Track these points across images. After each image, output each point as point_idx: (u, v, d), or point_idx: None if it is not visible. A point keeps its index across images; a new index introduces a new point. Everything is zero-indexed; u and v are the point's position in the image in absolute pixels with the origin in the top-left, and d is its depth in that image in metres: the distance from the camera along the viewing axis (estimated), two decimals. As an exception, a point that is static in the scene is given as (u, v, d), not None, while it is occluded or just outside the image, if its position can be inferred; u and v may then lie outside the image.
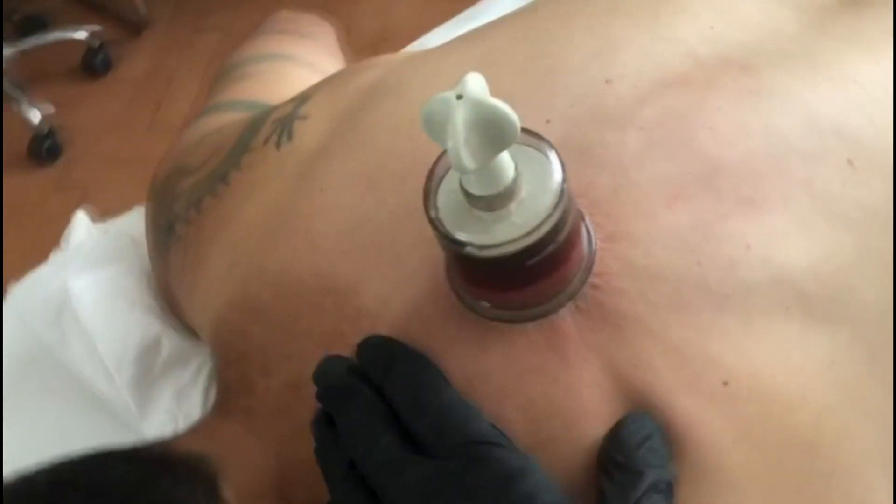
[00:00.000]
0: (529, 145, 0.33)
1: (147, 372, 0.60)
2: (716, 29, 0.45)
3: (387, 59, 0.53)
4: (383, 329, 0.39)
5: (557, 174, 0.32)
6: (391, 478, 0.34)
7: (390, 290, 0.40)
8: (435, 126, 0.30)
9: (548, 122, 0.42)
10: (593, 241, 0.37)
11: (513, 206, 0.32)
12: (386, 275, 0.40)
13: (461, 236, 0.32)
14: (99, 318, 0.61)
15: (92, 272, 0.64)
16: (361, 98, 0.48)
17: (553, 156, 0.33)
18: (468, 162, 0.29)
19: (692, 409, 0.35)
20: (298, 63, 0.69)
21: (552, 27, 0.47)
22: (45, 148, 1.86)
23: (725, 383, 0.36)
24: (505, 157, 0.31)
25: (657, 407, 0.35)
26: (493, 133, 0.30)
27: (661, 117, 0.41)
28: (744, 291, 0.37)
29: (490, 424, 0.35)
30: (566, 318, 0.36)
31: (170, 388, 0.60)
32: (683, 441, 0.35)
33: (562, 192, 0.32)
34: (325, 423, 0.37)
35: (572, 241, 0.34)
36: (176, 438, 0.45)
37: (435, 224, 0.33)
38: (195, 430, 0.46)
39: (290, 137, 0.48)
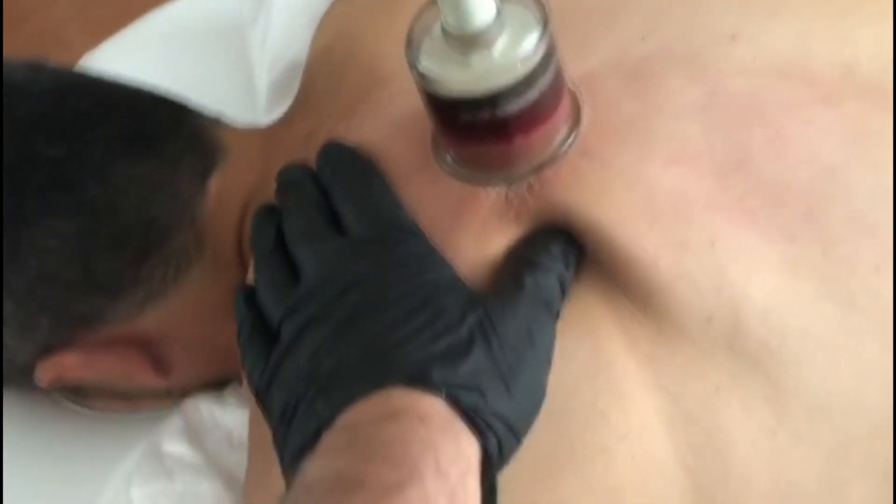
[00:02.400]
0: (528, 10, 0.33)
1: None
2: (882, 53, 0.40)
3: None
4: (376, 128, 0.42)
5: (532, 40, 0.33)
6: (307, 246, 0.37)
7: (406, 103, 0.41)
8: None
9: (643, 38, 0.41)
10: (571, 139, 0.36)
11: (486, 54, 0.32)
12: (410, 92, 0.41)
13: (422, 66, 0.33)
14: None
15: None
16: None
17: (541, 23, 0.33)
18: None
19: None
20: None
21: None
22: None
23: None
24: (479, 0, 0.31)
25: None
26: None
27: (746, 99, 0.38)
28: None
29: (409, 217, 0.37)
30: (506, 192, 0.37)
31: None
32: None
33: (528, 57, 0.32)
34: (268, 210, 0.41)
35: (535, 113, 0.34)
36: (217, 121, 0.52)
37: (407, 55, 0.34)
38: (239, 125, 0.53)
39: None
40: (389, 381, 0.31)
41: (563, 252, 0.36)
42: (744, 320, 0.35)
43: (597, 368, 0.35)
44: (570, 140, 0.36)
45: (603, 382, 0.35)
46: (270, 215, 0.41)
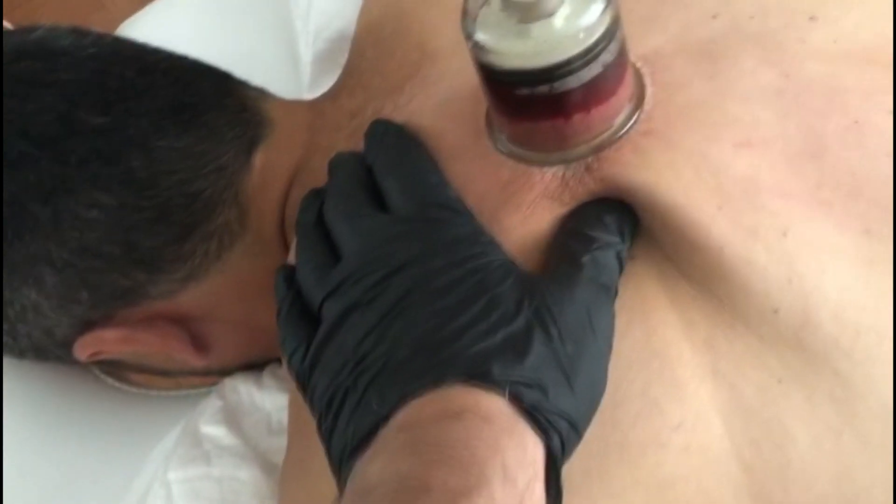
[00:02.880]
0: None
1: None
2: None
3: None
4: (425, 106, 0.41)
5: (596, 11, 0.30)
6: (346, 224, 0.36)
7: (457, 80, 0.40)
8: None
9: (714, 16, 0.38)
10: (634, 118, 0.34)
11: (546, 24, 0.30)
12: (461, 70, 0.39)
13: (478, 36, 0.31)
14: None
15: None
16: None
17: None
18: None
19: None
20: None
21: None
22: None
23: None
24: None
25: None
26: None
27: (823, 84, 0.36)
28: None
29: (455, 195, 0.35)
30: (562, 172, 0.35)
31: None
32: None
33: (590, 29, 0.30)
34: (315, 193, 0.40)
35: (597, 89, 0.32)
36: (263, 92, 0.50)
37: (462, 25, 0.32)
38: (285, 99, 0.51)
39: None
40: (448, 378, 0.30)
41: (619, 225, 0.34)
42: (814, 314, 0.33)
43: (650, 353, 0.33)
44: (633, 120, 0.35)
45: (656, 369, 0.33)
46: (316, 197, 0.40)
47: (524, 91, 0.32)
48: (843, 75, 0.36)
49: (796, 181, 0.34)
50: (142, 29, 0.78)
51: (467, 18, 0.33)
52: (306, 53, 0.66)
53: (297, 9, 0.68)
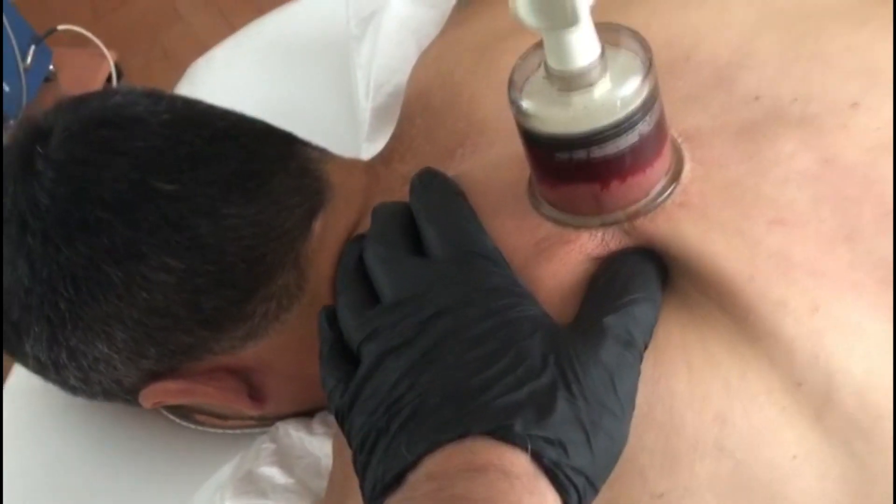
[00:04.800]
0: (632, 51, 0.33)
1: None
2: None
3: None
4: (473, 167, 0.43)
5: (634, 83, 0.32)
6: (385, 267, 0.38)
7: (504, 148, 0.42)
8: None
9: (756, 98, 0.39)
10: (669, 190, 0.36)
11: (586, 94, 0.32)
12: (508, 138, 0.41)
13: (523, 103, 0.33)
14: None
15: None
16: None
17: (645, 66, 0.33)
18: (524, 12, 0.31)
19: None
20: None
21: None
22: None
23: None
24: (578, 38, 0.31)
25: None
26: (552, 4, 0.30)
27: (860, 172, 0.36)
28: None
29: (493, 245, 0.37)
30: (600, 236, 0.37)
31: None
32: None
33: (628, 100, 0.32)
34: (357, 238, 0.43)
35: (633, 158, 0.34)
36: (323, 152, 0.53)
37: (509, 94, 0.34)
38: (344, 160, 0.54)
39: None
40: (474, 431, 0.31)
41: (653, 278, 0.35)
42: (838, 393, 0.34)
43: (649, 422, 0.35)
44: (669, 191, 0.36)
45: (651, 438, 0.35)
46: (357, 242, 0.42)
47: (563, 156, 0.34)
48: (880, 164, 0.37)
49: (829, 260, 0.35)
50: (210, 68, 0.81)
51: (513, 88, 0.35)
52: (365, 105, 0.68)
53: (358, 58, 0.71)
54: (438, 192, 0.40)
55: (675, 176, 0.36)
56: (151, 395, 0.49)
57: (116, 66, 1.57)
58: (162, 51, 1.67)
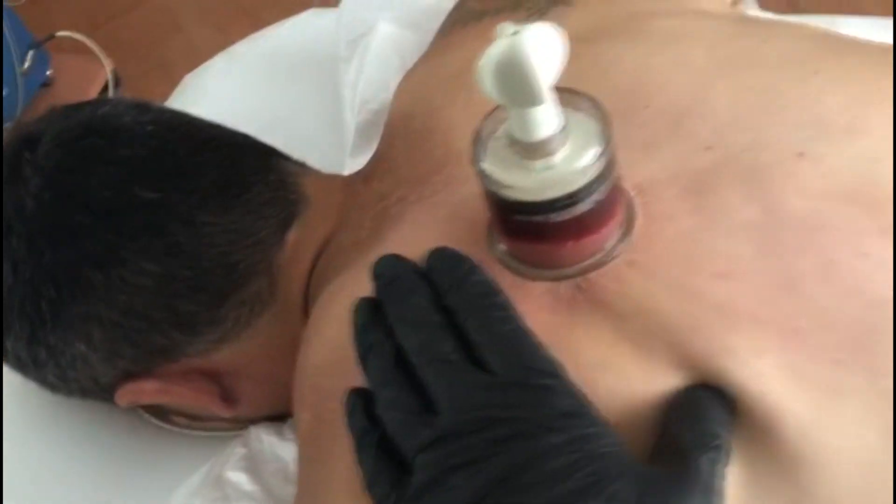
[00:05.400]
0: (592, 118, 0.35)
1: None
2: None
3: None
4: (445, 204, 0.44)
5: (592, 155, 0.34)
6: (442, 377, 0.33)
7: (471, 183, 0.42)
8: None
9: (708, 147, 0.41)
10: (620, 246, 0.38)
11: (546, 163, 0.34)
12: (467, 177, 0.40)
13: (484, 165, 0.35)
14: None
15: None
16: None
17: (604, 139, 0.34)
18: (489, 89, 0.32)
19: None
20: None
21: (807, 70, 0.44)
22: None
23: None
24: (541, 113, 0.33)
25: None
26: (515, 82, 0.32)
27: (803, 222, 0.38)
28: None
29: (554, 358, 0.34)
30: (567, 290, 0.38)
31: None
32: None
33: (586, 170, 0.34)
34: (371, 307, 0.36)
35: (588, 222, 0.36)
36: (303, 166, 0.55)
37: (472, 151, 0.36)
38: (322, 175, 0.55)
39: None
40: None
41: (726, 416, 0.35)
42: (782, 430, 0.35)
43: None
44: (620, 247, 0.38)
45: None
46: (377, 313, 0.36)
47: (521, 218, 0.36)
48: (823, 213, 0.38)
49: (771, 310, 0.36)
50: (204, 79, 0.84)
51: (478, 144, 0.36)
52: (351, 121, 0.71)
53: (346, 76, 0.73)
54: (482, 296, 0.35)
55: (628, 230, 0.38)
56: (127, 394, 0.51)
57: (114, 73, 1.59)
58: (160, 60, 1.69)
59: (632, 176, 0.39)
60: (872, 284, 0.37)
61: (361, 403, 0.35)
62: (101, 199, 0.48)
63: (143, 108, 0.53)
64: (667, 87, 0.44)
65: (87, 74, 1.61)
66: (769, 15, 0.69)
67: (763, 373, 0.35)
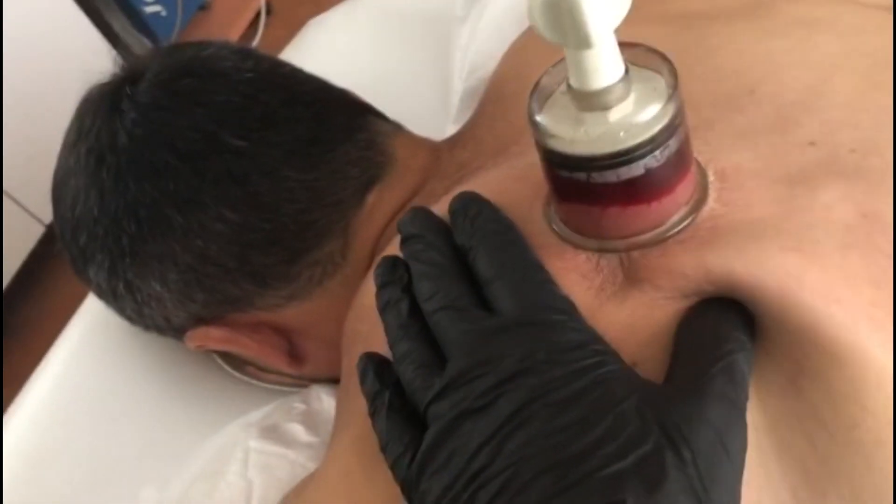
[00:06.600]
0: (663, 80, 0.32)
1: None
2: None
3: None
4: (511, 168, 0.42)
5: (649, 114, 0.31)
6: (453, 324, 0.33)
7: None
8: None
9: (812, 143, 0.37)
10: (677, 228, 0.34)
11: (600, 117, 0.31)
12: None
13: (538, 115, 0.32)
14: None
15: None
16: None
17: (665, 94, 0.31)
18: (539, 24, 0.29)
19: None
20: None
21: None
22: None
23: None
24: (596, 59, 0.30)
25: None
26: (564, 16, 0.29)
27: None
28: None
29: (564, 294, 0.33)
30: (596, 258, 0.35)
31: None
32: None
33: (636, 130, 0.31)
34: (392, 265, 0.37)
35: (635, 191, 0.32)
36: (397, 127, 0.54)
37: (529, 101, 0.33)
38: (413, 137, 0.54)
39: None
40: None
41: (745, 324, 0.32)
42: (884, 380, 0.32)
43: None
44: (675, 230, 0.34)
45: None
46: (395, 270, 0.37)
47: (564, 174, 0.33)
48: None
49: (850, 292, 0.32)
50: (324, 30, 0.83)
51: (536, 94, 0.34)
52: (458, 86, 0.69)
53: (458, 40, 0.71)
54: (492, 234, 0.35)
55: (692, 211, 0.35)
56: (196, 337, 0.52)
57: (267, 3, 1.62)
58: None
59: (716, 160, 0.36)
60: None
61: (374, 367, 0.36)
62: (188, 139, 0.48)
63: (245, 54, 0.53)
64: (779, 74, 0.40)
65: (242, 1, 1.66)
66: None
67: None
